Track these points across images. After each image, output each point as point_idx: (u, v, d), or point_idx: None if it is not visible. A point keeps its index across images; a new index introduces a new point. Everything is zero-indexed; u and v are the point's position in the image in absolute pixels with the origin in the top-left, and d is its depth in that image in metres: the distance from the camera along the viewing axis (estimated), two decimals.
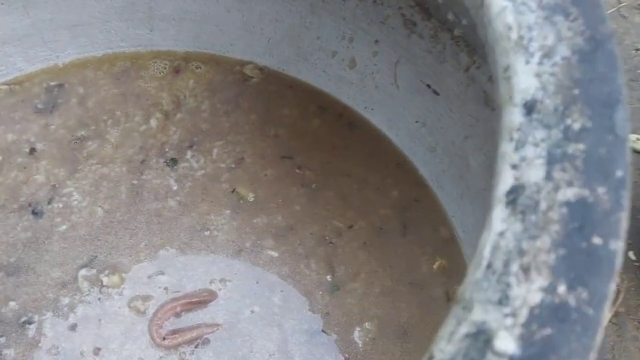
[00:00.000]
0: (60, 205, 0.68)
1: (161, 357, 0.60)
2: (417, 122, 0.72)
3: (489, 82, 0.61)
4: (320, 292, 0.65)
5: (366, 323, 0.64)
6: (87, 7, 0.75)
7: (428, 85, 0.69)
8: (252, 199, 0.70)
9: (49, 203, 0.68)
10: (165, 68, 0.79)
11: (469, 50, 0.62)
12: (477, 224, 0.66)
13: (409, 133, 0.73)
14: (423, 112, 0.70)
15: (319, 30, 0.74)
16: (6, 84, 0.77)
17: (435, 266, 0.67)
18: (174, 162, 0.71)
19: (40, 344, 0.60)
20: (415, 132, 0.72)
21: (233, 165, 0.72)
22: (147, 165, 0.71)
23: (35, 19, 0.74)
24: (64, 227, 0.66)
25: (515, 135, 0.31)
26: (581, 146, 0.29)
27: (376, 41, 0.71)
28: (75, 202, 0.68)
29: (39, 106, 0.75)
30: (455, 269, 0.67)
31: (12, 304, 0.62)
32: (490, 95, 0.61)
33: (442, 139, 0.69)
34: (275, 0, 0.73)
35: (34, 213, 0.67)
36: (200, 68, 0.79)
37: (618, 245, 0.27)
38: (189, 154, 0.72)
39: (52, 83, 0.77)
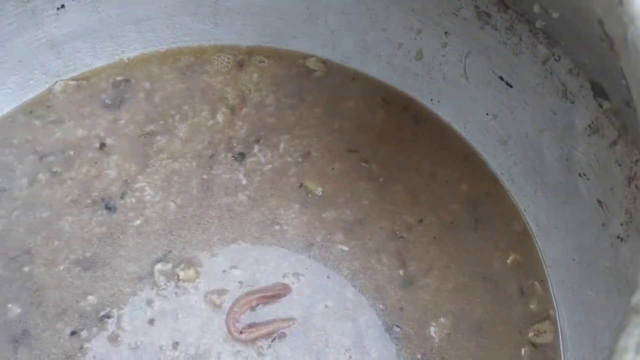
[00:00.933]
0: (133, 200, 0.68)
1: (239, 351, 0.60)
2: (487, 114, 0.70)
3: (569, 75, 0.59)
4: (393, 287, 0.65)
5: (441, 318, 0.63)
6: (154, 1, 0.75)
7: (500, 77, 0.67)
8: (320, 193, 0.70)
9: (121, 198, 0.68)
10: (229, 62, 0.79)
11: (549, 43, 0.60)
12: (553, 218, 0.65)
13: (478, 126, 0.72)
14: (494, 104, 0.69)
15: (386, 22, 0.73)
16: (74, 80, 0.77)
17: (509, 261, 0.66)
18: (242, 156, 0.72)
19: (120, 338, 0.61)
20: (485, 124, 0.71)
21: (300, 160, 0.72)
22: (216, 160, 0.71)
23: (104, 14, 0.75)
24: (138, 221, 0.67)
25: None
26: None
27: (446, 33, 0.70)
28: (148, 196, 0.69)
29: (107, 101, 0.76)
30: (529, 264, 0.66)
31: (90, 298, 0.63)
32: (569, 88, 0.60)
33: (515, 132, 0.68)
34: None
35: (108, 208, 0.68)
36: (263, 62, 0.79)
37: None
38: (256, 148, 0.72)
39: (119, 78, 0.78)
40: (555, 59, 0.60)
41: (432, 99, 0.75)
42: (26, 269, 0.65)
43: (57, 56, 0.76)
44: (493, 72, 0.68)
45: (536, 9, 0.54)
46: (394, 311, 0.63)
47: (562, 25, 0.53)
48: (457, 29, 0.68)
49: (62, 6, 0.73)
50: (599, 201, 0.59)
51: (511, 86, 0.67)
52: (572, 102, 0.60)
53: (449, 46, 0.71)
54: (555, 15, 0.52)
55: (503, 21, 0.63)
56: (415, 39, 0.73)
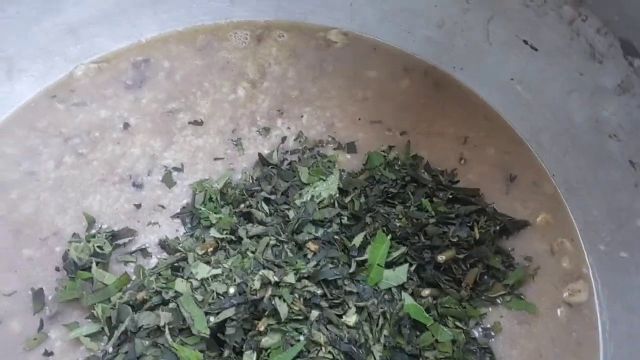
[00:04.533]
0: (159, 178, 0.69)
1: None
2: (512, 79, 0.70)
3: (597, 34, 0.59)
4: None
5: None
6: None
7: (525, 41, 0.67)
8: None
9: (148, 175, 0.69)
10: (246, 38, 0.79)
11: (575, 2, 0.59)
12: (584, 180, 0.64)
13: (502, 91, 0.71)
14: (519, 69, 0.68)
15: None
16: (95, 63, 0.77)
17: (538, 220, 0.66)
18: (266, 130, 0.71)
19: None
20: (510, 89, 0.70)
21: (324, 130, 0.72)
22: (240, 135, 0.71)
23: None
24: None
25: None
26: None
27: None
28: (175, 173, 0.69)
29: (128, 82, 0.76)
30: (559, 224, 0.66)
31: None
32: (597, 47, 0.59)
33: (541, 96, 0.67)
34: None
35: (135, 185, 0.68)
36: (282, 36, 0.79)
37: None
38: (279, 122, 0.72)
39: (138, 58, 0.77)
40: (582, 19, 0.59)
41: (454, 66, 0.75)
42: (57, 249, 0.65)
43: (76, 42, 0.76)
44: (517, 36, 0.67)
45: None
46: None
47: None
48: None
49: None
50: (631, 162, 0.58)
51: (536, 49, 0.66)
52: (601, 62, 0.59)
53: (470, 12, 0.70)
54: None
55: None
56: (435, 6, 0.72)
